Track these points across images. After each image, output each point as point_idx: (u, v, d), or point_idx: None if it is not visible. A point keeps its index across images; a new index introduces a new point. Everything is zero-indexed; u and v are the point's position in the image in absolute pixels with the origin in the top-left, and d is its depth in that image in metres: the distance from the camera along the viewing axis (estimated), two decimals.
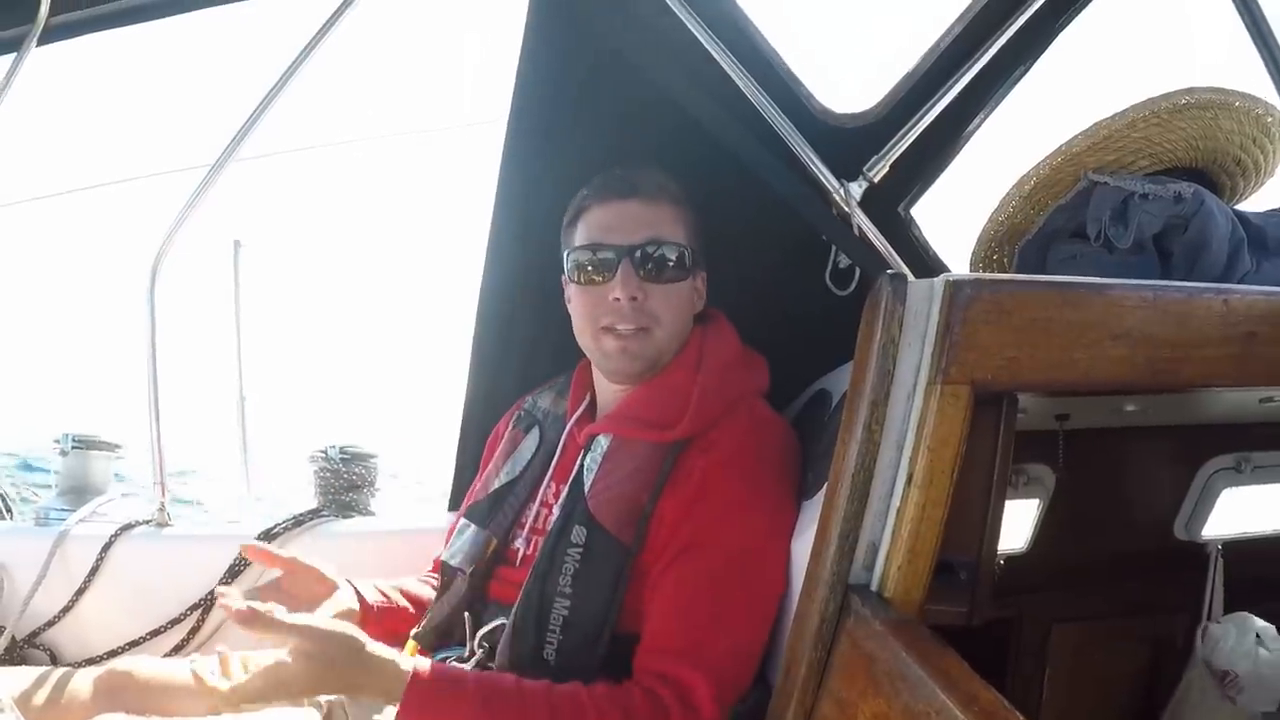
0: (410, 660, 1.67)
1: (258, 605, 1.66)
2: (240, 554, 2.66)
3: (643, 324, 1.94)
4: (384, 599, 2.13)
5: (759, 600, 1.75)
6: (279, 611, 1.64)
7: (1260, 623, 2.30)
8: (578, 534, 1.83)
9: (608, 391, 2.09)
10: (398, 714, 1.62)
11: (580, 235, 2.01)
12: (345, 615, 1.98)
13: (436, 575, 2.27)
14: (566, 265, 2.04)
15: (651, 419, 1.92)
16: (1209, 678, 2.31)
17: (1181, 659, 2.39)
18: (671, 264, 1.96)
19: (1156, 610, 2.45)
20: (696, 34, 2.04)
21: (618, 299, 1.92)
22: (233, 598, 1.74)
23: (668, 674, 1.67)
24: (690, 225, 2.03)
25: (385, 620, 2.10)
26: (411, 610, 2.17)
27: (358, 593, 2.08)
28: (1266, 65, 2.27)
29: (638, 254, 1.94)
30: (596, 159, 2.15)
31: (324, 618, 1.73)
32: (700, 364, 1.97)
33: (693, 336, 2.04)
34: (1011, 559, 2.20)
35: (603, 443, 1.96)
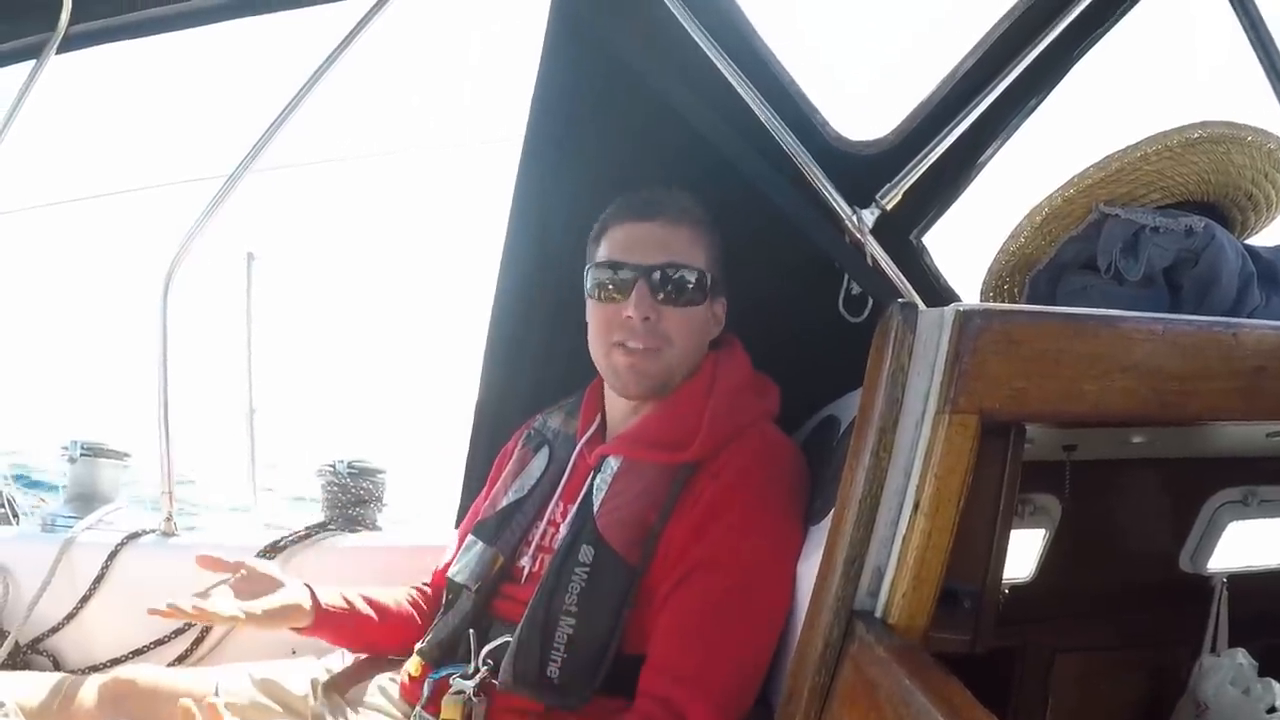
0: None
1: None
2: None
3: (654, 344, 1.96)
4: (343, 604, 2.14)
5: (763, 623, 1.75)
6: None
7: (1244, 661, 2.29)
8: (585, 553, 1.84)
9: (619, 412, 2.10)
10: None
11: (602, 252, 2.04)
12: (291, 609, 2.02)
13: (430, 588, 2.28)
14: (587, 282, 2.06)
15: (662, 441, 1.92)
16: (1192, 709, 2.30)
17: (1183, 691, 2.39)
18: (689, 287, 1.97)
19: (1160, 642, 2.44)
20: (713, 58, 2.05)
21: (630, 317, 1.93)
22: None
23: (669, 698, 1.67)
24: (711, 250, 2.05)
25: (331, 622, 2.11)
26: (375, 619, 2.17)
27: (312, 593, 2.08)
28: (1266, 71, 2.27)
29: (655, 275, 1.95)
30: (610, 179, 2.17)
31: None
32: (712, 388, 1.98)
33: (706, 360, 2.05)
34: (1016, 588, 2.19)
35: (613, 464, 1.96)
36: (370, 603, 2.19)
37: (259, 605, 1.95)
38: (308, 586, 2.09)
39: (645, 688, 1.73)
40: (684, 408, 1.96)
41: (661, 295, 1.96)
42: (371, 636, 2.18)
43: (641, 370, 1.97)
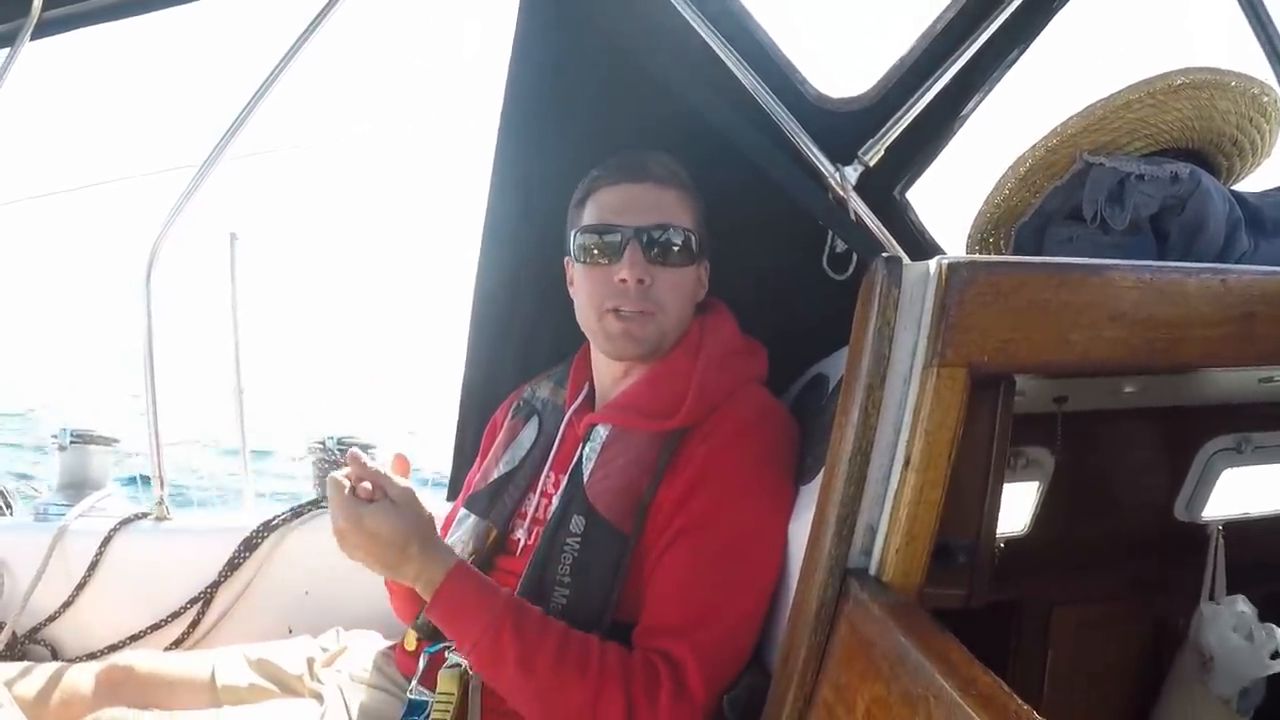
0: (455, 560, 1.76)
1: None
2: (242, 542, 2.69)
3: (647, 308, 1.94)
4: None
5: (755, 584, 1.74)
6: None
7: (1244, 609, 2.30)
8: (576, 523, 1.84)
9: (607, 380, 2.09)
10: (431, 601, 1.72)
11: (589, 215, 2.01)
12: None
13: None
14: (572, 246, 2.04)
15: (650, 409, 1.92)
16: (1196, 659, 2.31)
17: (1181, 640, 2.39)
18: (679, 249, 1.96)
19: (1157, 591, 2.44)
20: (691, 20, 2.04)
21: (624, 280, 1.92)
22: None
23: (665, 649, 1.67)
24: (697, 213, 2.04)
25: None
26: None
27: None
28: (1260, 42, 2.26)
29: (646, 236, 1.94)
30: (590, 147, 2.14)
31: None
32: (699, 352, 1.97)
33: (692, 325, 2.04)
34: (1011, 542, 2.20)
35: (601, 432, 1.96)
36: None
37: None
38: None
39: (640, 643, 1.72)
40: (672, 373, 1.95)
41: (654, 257, 1.95)
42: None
43: (636, 335, 1.96)
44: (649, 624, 1.73)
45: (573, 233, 2.04)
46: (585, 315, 2.04)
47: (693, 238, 1.99)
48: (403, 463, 1.86)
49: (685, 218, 2.00)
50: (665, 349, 2.00)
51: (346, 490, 1.70)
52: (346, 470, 1.74)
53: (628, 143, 2.13)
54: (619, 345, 1.98)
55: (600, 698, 1.63)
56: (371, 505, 1.69)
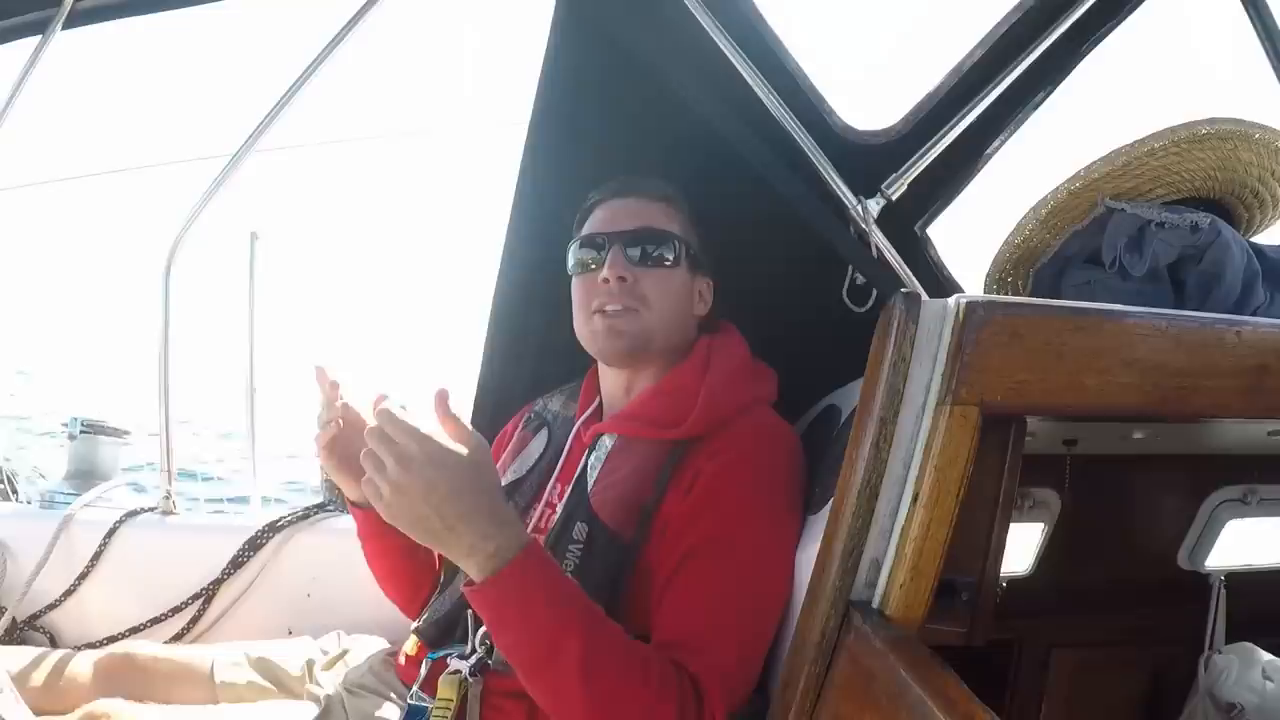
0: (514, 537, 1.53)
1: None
2: (246, 540, 2.71)
3: (630, 304, 1.98)
4: None
5: (765, 607, 1.74)
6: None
7: (1266, 655, 2.30)
8: (579, 530, 1.84)
9: (614, 392, 2.11)
10: (491, 579, 1.51)
11: (581, 232, 2.09)
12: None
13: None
14: (569, 261, 2.09)
15: (656, 418, 1.93)
16: (1213, 710, 2.30)
17: (1181, 688, 2.39)
18: (662, 252, 2.02)
19: (1157, 639, 2.44)
20: (722, 46, 2.05)
21: (606, 280, 1.96)
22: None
23: (682, 663, 1.63)
24: (686, 224, 2.09)
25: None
26: (407, 549, 2.13)
27: None
28: (1275, 69, 2.27)
29: (629, 239, 2.00)
30: (614, 166, 2.17)
31: None
32: (707, 368, 1.99)
33: (700, 343, 2.06)
34: (1014, 582, 2.20)
35: (607, 442, 1.98)
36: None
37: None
38: None
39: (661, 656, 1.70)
40: (679, 385, 1.97)
41: (637, 259, 2.00)
42: (395, 559, 2.15)
43: (618, 330, 1.98)
44: (666, 639, 1.69)
45: (569, 250, 2.10)
46: (578, 322, 2.08)
47: (679, 244, 2.04)
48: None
49: (671, 225, 2.05)
50: (654, 348, 2.03)
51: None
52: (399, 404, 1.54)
53: (651, 165, 2.16)
54: (604, 343, 2.01)
55: (655, 711, 1.55)
56: (449, 448, 1.49)
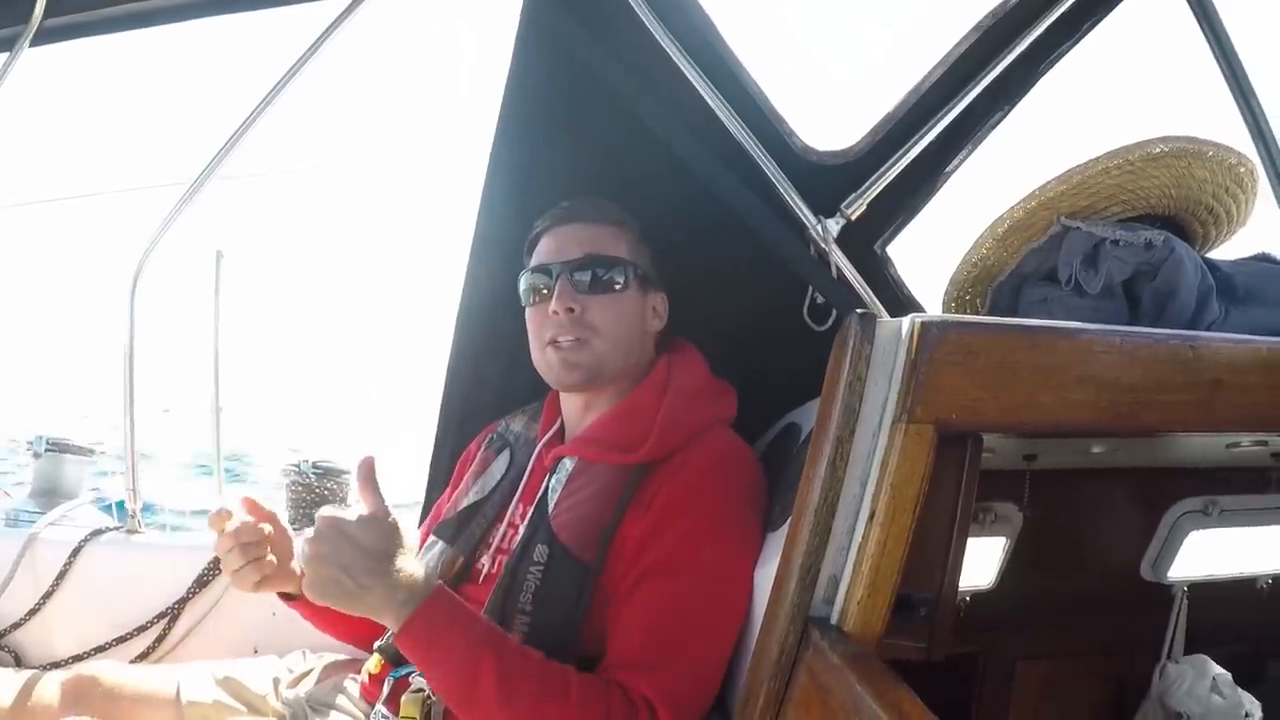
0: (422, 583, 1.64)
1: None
2: (212, 559, 2.70)
3: (580, 334, 1.99)
4: None
5: (720, 628, 1.75)
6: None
7: (1218, 669, 2.32)
8: (540, 552, 1.85)
9: (573, 415, 2.13)
10: (405, 624, 1.60)
11: (531, 262, 2.11)
12: (289, 573, 2.00)
13: None
14: (521, 290, 2.11)
15: (615, 442, 1.94)
16: (1161, 716, 2.32)
17: (1144, 698, 2.41)
18: (608, 277, 2.02)
19: (1122, 650, 2.46)
20: (683, 68, 2.06)
21: (556, 312, 1.98)
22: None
23: (629, 684, 1.66)
24: (634, 245, 2.10)
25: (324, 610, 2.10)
26: None
27: None
28: (1229, 86, 2.30)
29: (575, 268, 2.01)
30: (577, 186, 2.19)
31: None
32: (665, 389, 2.00)
33: (659, 363, 2.08)
34: (977, 596, 2.21)
35: (568, 464, 1.98)
36: None
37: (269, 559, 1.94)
38: None
39: (608, 676, 1.71)
40: (637, 409, 1.98)
41: (584, 287, 2.01)
42: (345, 622, 2.18)
43: (571, 361, 2.00)
44: (617, 659, 1.72)
45: (520, 279, 2.12)
46: (534, 353, 2.10)
47: (627, 267, 2.05)
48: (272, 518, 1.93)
49: (617, 249, 2.06)
50: (608, 374, 2.04)
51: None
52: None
53: (612, 184, 2.17)
54: (559, 374, 2.04)
55: None
56: (358, 515, 1.62)
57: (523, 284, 2.10)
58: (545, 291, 2.03)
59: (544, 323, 2.02)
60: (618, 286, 2.03)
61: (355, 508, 1.65)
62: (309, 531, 1.59)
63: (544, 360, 2.05)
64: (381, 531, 1.61)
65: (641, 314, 2.09)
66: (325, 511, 1.62)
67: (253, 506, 1.91)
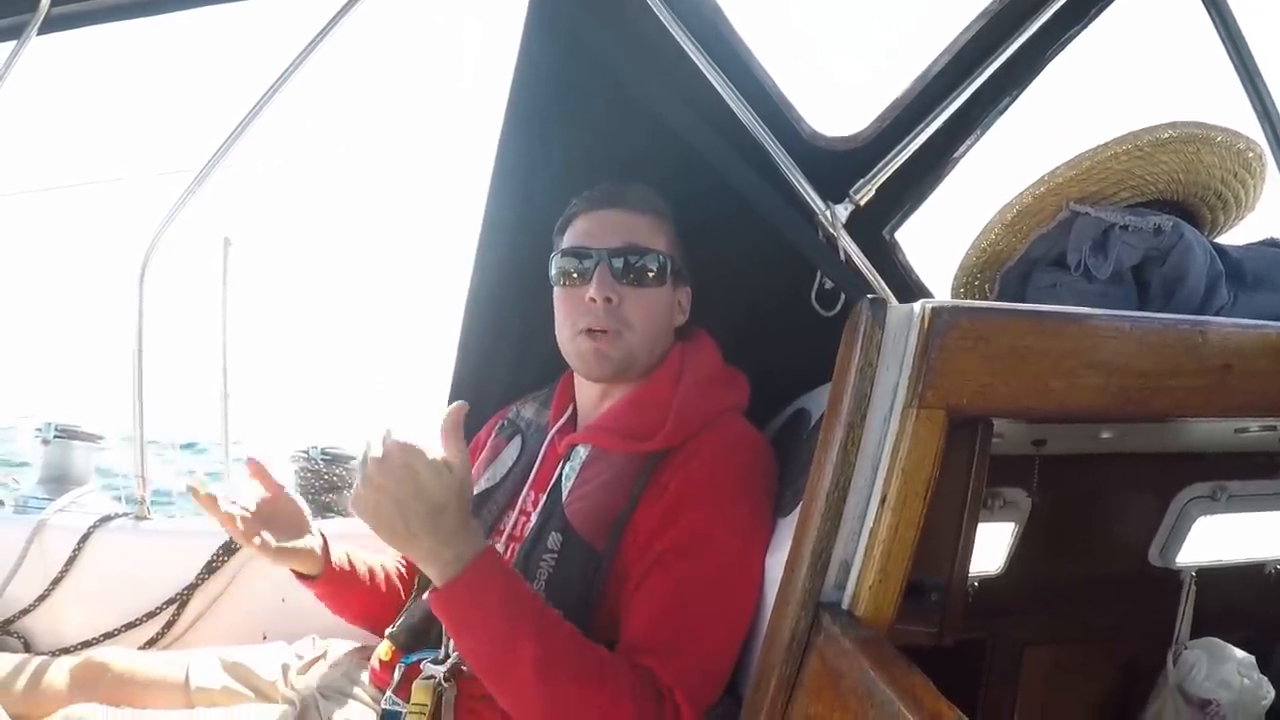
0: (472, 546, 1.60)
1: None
2: (221, 545, 2.70)
3: (615, 327, 1.98)
4: (346, 565, 2.17)
5: (731, 614, 1.75)
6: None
7: (1238, 652, 2.33)
8: (553, 540, 1.85)
9: (588, 402, 2.12)
10: (447, 583, 1.57)
11: (566, 241, 2.07)
12: (304, 552, 2.06)
13: (408, 570, 2.29)
14: (552, 270, 2.08)
15: (630, 430, 1.94)
16: (1183, 704, 2.32)
17: (1154, 684, 2.41)
18: (649, 270, 2.01)
19: (1130, 635, 2.46)
20: (690, 53, 2.06)
21: (593, 299, 1.96)
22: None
23: (647, 667, 1.65)
24: (672, 238, 2.09)
25: (333, 580, 2.13)
26: (367, 587, 2.20)
27: (325, 544, 2.12)
28: (1237, 71, 2.29)
29: (617, 258, 1.99)
30: (586, 170, 2.18)
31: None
32: (680, 378, 2.00)
33: (674, 351, 2.07)
34: (986, 581, 2.21)
35: (581, 452, 1.98)
36: (370, 571, 2.22)
37: (273, 539, 1.97)
38: (322, 535, 2.12)
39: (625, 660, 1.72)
40: (652, 397, 1.98)
41: (623, 277, 1.99)
42: (360, 604, 2.19)
43: (604, 353, 1.98)
44: (632, 644, 1.71)
45: (552, 257, 2.09)
46: (561, 336, 2.08)
47: (665, 261, 2.04)
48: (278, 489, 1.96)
49: (658, 242, 2.05)
50: (636, 368, 2.03)
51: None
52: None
53: (622, 168, 2.16)
54: (589, 364, 2.02)
55: (611, 713, 1.59)
56: (431, 456, 1.57)
57: (555, 263, 2.07)
58: (579, 276, 2.01)
59: (577, 307, 2.00)
60: (654, 280, 2.02)
61: (433, 445, 1.59)
62: (375, 447, 1.55)
63: (574, 347, 2.03)
64: (447, 483, 1.57)
65: (671, 308, 2.10)
66: (399, 437, 1.57)
67: (257, 469, 1.92)
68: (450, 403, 2.63)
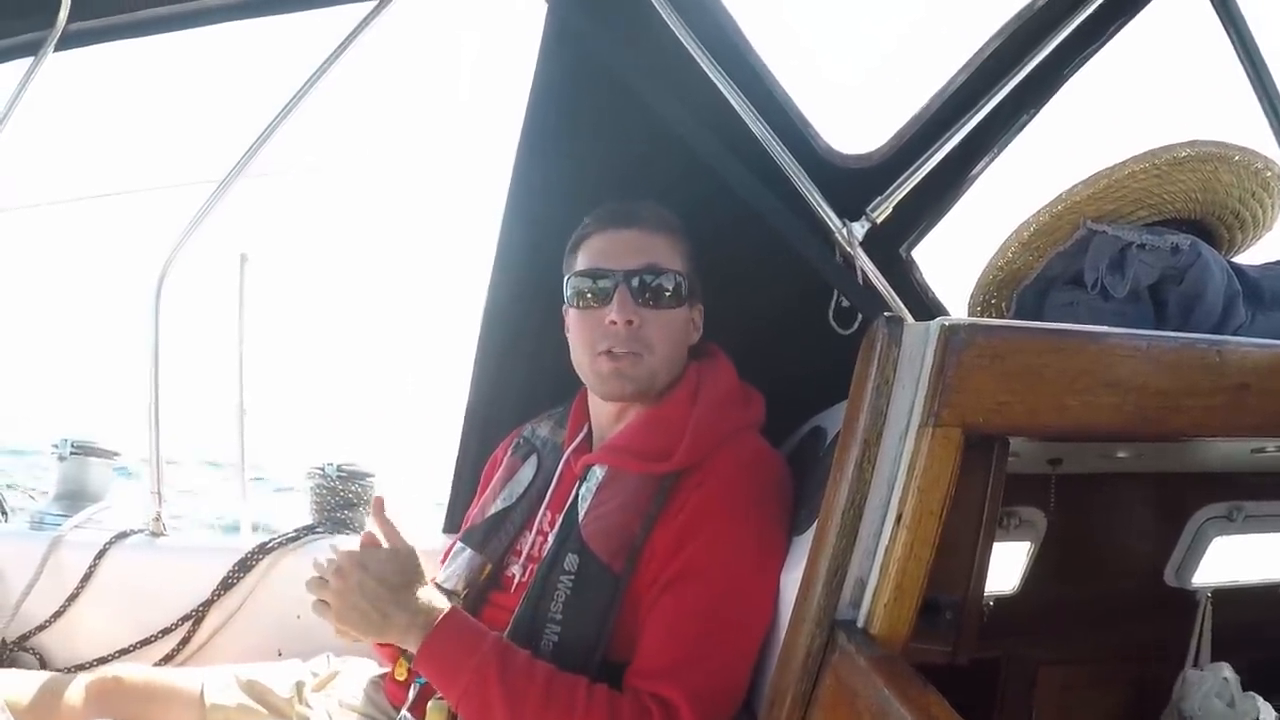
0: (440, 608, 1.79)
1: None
2: (236, 562, 2.70)
3: (636, 349, 1.97)
4: None
5: (745, 632, 1.76)
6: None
7: (1232, 675, 2.31)
8: (570, 561, 1.85)
9: (604, 422, 2.12)
10: (421, 647, 1.74)
11: (581, 261, 2.06)
12: None
13: None
14: (567, 291, 2.08)
15: (646, 451, 1.93)
16: None
17: (1167, 705, 2.39)
18: (668, 291, 2.01)
19: (1145, 656, 2.44)
20: (708, 72, 2.06)
21: (614, 322, 1.96)
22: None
23: (657, 693, 1.68)
24: (687, 257, 2.08)
25: None
26: None
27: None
28: (1255, 89, 2.28)
29: (635, 280, 1.98)
30: (602, 188, 2.18)
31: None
32: (696, 397, 1.99)
33: (689, 370, 2.07)
34: (1001, 600, 2.20)
35: (598, 473, 1.97)
36: None
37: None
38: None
39: (632, 684, 1.73)
40: (668, 417, 1.97)
41: (641, 298, 1.98)
42: None
43: (625, 374, 1.98)
44: (642, 666, 1.74)
45: (566, 278, 2.09)
46: (579, 357, 2.08)
47: (682, 281, 2.03)
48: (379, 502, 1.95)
49: (674, 261, 2.04)
50: (656, 389, 2.03)
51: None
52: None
53: (638, 186, 2.16)
54: (610, 385, 2.02)
55: None
56: (376, 549, 1.82)
57: (571, 284, 2.07)
58: (598, 298, 2.01)
59: (596, 329, 2.00)
60: (671, 299, 2.02)
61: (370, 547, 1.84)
62: (327, 548, 1.69)
63: (593, 368, 2.03)
64: (401, 564, 1.80)
65: (687, 327, 2.10)
66: (343, 548, 1.81)
67: (379, 508, 1.94)
68: (466, 423, 2.64)
